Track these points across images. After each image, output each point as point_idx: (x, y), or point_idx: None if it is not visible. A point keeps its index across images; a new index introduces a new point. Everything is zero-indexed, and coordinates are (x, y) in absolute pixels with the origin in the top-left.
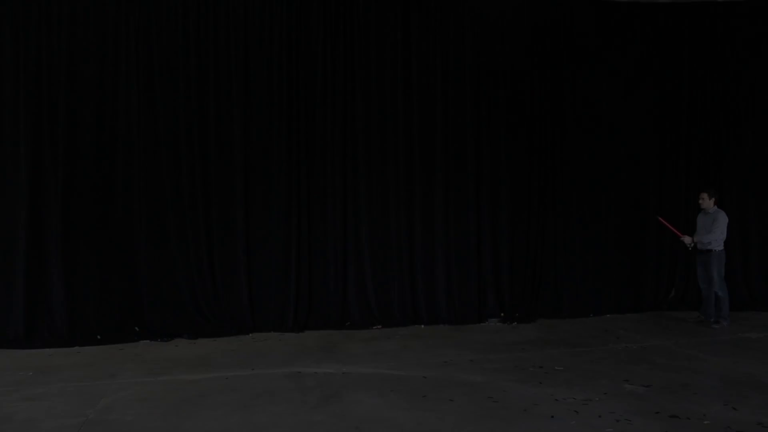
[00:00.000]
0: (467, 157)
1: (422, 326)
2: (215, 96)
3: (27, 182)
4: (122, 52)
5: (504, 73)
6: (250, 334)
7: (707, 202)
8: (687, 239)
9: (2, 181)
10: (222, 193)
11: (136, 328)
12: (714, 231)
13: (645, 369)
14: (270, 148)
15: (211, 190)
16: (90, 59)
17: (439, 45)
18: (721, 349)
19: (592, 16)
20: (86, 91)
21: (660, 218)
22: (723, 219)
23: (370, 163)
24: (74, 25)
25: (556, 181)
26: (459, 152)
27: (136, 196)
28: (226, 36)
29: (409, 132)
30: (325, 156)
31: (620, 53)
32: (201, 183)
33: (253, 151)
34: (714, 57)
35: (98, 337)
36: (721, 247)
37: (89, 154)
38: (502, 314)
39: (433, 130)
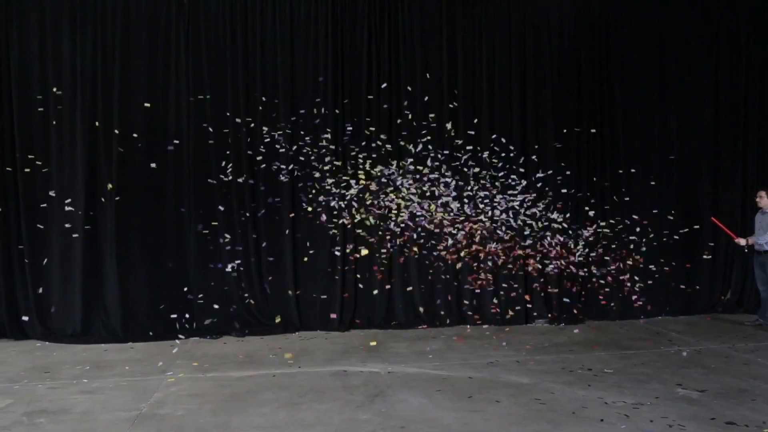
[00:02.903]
0: (514, 157)
1: (468, 326)
2: (262, 97)
3: (84, 185)
4: (172, 56)
5: (551, 69)
6: (297, 333)
7: (765, 200)
8: (741, 241)
9: (61, 184)
10: (270, 194)
11: (187, 326)
12: None
13: (699, 373)
14: (316, 149)
15: (259, 191)
16: (141, 65)
17: (485, 43)
18: None
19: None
20: (139, 95)
21: (713, 219)
22: None
23: (416, 164)
24: (127, 32)
25: (605, 179)
26: (505, 152)
27: (186, 198)
28: (272, 38)
29: (456, 131)
30: (371, 156)
31: (672, 41)
32: (249, 184)
33: (300, 153)
34: None
35: (150, 333)
36: None
37: (141, 157)
38: (549, 315)
39: (479, 131)
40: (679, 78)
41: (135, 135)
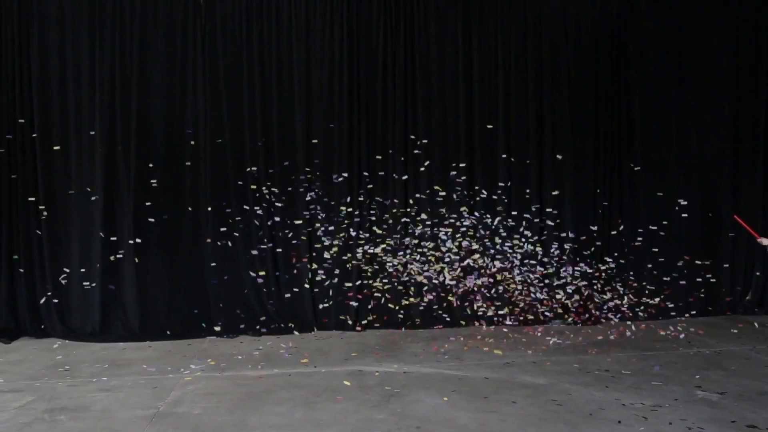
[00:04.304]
0: (531, 156)
1: (483, 327)
2: (278, 98)
3: (102, 185)
4: (189, 57)
5: (567, 68)
6: (313, 333)
7: None
8: (764, 241)
9: (81, 184)
10: (286, 193)
11: (203, 325)
12: None
13: (719, 375)
14: (331, 149)
15: (275, 190)
16: (159, 66)
17: (501, 40)
18: None
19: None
20: (156, 96)
21: (736, 217)
22: None
23: (432, 165)
24: (145, 33)
25: (623, 177)
26: (522, 152)
27: (203, 198)
28: (288, 39)
29: (471, 133)
30: (386, 158)
31: (691, 40)
32: (265, 185)
33: (315, 153)
34: None
35: (167, 332)
36: None
37: (159, 157)
38: (566, 316)
39: (495, 129)
40: (699, 76)
41: (152, 135)
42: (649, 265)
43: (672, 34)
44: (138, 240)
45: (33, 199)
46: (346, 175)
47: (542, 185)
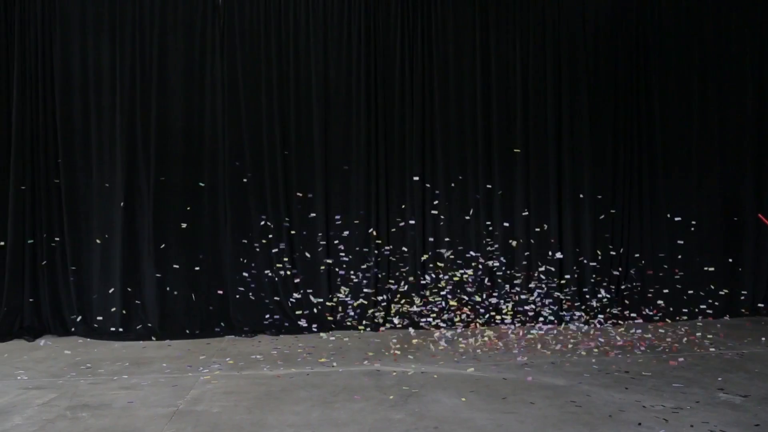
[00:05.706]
0: (548, 157)
1: (501, 327)
2: (296, 99)
3: (122, 186)
4: (208, 59)
5: (586, 64)
6: (331, 332)
7: None
8: None
9: (101, 184)
10: (303, 194)
11: (222, 324)
12: None
13: (742, 378)
14: (349, 149)
15: (292, 191)
16: (178, 67)
17: (519, 37)
18: None
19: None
20: (175, 97)
21: (760, 216)
22: None
23: (449, 164)
24: (164, 35)
25: (643, 176)
26: (540, 153)
27: (221, 198)
28: (306, 40)
29: (488, 132)
30: (404, 156)
31: (713, 37)
32: (283, 185)
33: (333, 153)
34: None
35: (187, 331)
36: None
37: (178, 157)
38: (585, 316)
39: (513, 129)
40: (720, 71)
41: (171, 137)
42: (668, 266)
43: (692, 27)
44: (157, 239)
45: (55, 199)
46: (363, 173)
47: (561, 184)
